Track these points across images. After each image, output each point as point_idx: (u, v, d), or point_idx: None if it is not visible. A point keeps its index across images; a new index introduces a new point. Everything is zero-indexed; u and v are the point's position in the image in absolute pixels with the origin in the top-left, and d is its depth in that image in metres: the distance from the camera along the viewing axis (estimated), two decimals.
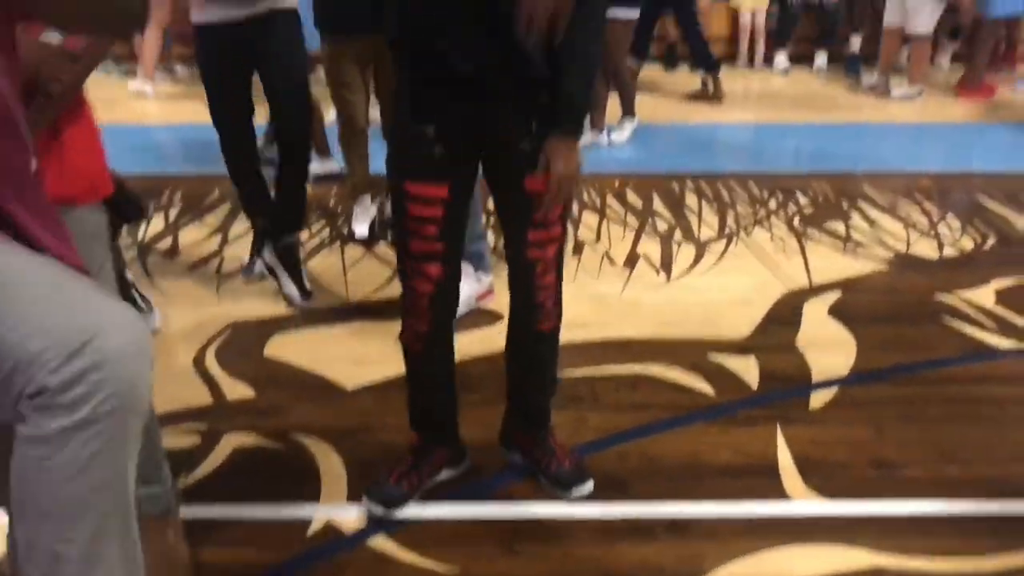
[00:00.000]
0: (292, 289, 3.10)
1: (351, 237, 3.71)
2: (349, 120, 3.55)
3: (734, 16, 7.07)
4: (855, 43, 6.90)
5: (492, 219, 3.49)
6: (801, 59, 7.06)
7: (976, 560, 1.96)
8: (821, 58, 6.95)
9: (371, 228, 3.72)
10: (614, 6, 4.36)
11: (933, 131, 5.54)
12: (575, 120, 1.82)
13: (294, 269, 3.13)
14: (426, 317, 1.99)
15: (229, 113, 3.04)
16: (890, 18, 6.27)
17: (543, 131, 1.80)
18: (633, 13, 4.56)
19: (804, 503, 2.16)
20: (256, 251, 3.28)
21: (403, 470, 2.12)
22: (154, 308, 2.94)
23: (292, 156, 3.15)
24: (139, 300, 2.89)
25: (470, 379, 2.52)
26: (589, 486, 2.16)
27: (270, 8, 2.93)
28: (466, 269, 3.00)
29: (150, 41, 6.06)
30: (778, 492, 2.19)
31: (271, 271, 3.16)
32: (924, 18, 5.99)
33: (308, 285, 3.13)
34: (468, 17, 1.69)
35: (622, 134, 4.94)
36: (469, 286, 3.00)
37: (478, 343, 2.77)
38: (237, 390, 2.59)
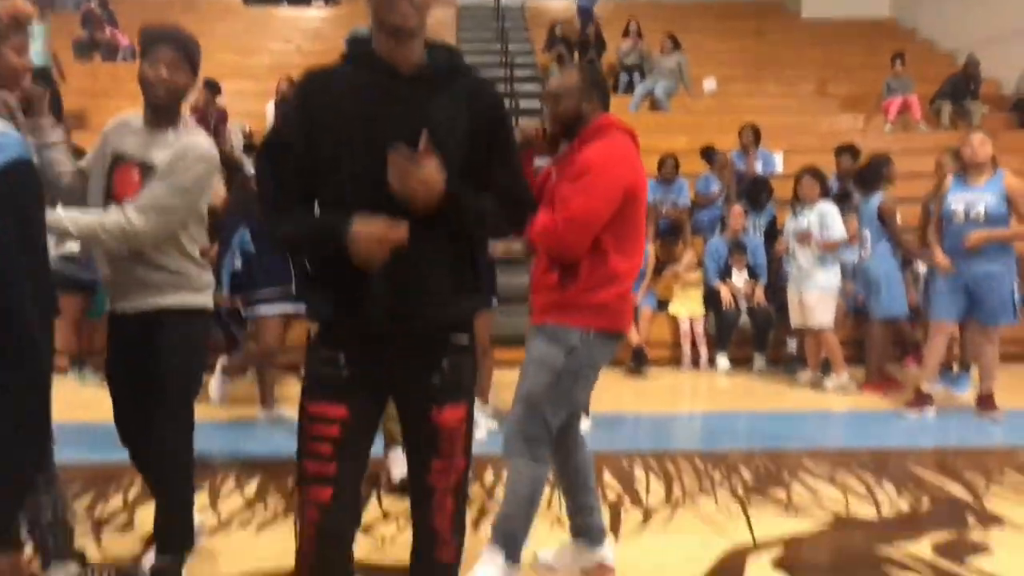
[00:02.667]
0: None
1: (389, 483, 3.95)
2: None
3: (675, 323, 7.69)
4: (791, 344, 7.48)
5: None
6: (745, 361, 7.57)
7: None
8: (760, 360, 7.47)
9: None
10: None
11: (868, 416, 5.87)
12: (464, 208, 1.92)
13: None
14: (313, 550, 1.94)
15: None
16: (795, 320, 6.88)
17: (454, 367, 1.98)
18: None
19: None
20: None
21: None
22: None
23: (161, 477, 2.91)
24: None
25: None
26: None
27: (156, 307, 2.76)
28: (578, 545, 3.11)
29: None
30: None
31: None
32: (820, 313, 6.60)
33: None
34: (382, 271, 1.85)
35: (478, 430, 5.06)
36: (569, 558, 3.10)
37: None
38: None
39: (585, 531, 3.10)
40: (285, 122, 1.96)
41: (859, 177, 6.99)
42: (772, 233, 8.31)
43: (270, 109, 10.30)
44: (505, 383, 5.51)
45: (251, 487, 4.09)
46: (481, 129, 1.96)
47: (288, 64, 12.90)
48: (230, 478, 4.20)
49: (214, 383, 5.60)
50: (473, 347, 2.06)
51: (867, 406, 6.18)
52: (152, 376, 2.76)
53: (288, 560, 3.16)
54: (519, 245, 5.47)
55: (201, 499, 3.84)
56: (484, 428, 5.14)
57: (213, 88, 10.08)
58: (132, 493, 3.80)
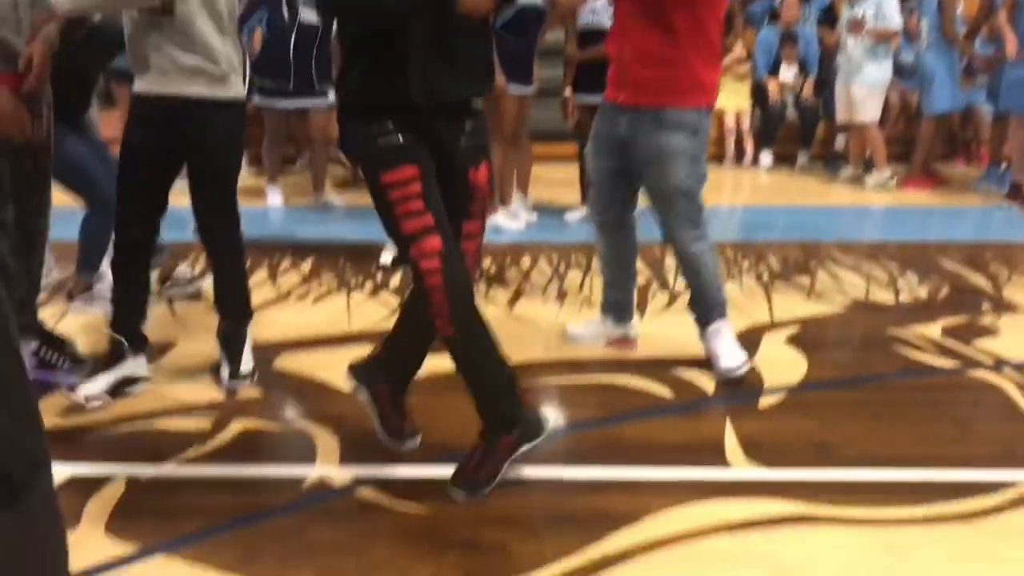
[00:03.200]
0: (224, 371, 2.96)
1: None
2: None
3: (720, 118, 7.63)
4: (840, 141, 7.42)
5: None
6: (789, 159, 7.56)
7: (893, 509, 2.21)
8: (803, 157, 7.46)
9: (395, 260, 4.28)
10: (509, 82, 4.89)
11: (906, 212, 5.95)
12: None
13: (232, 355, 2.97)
14: (444, 298, 2.09)
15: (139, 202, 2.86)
16: (841, 116, 6.79)
17: (478, 129, 2.22)
18: (527, 89, 5.10)
19: (745, 470, 2.43)
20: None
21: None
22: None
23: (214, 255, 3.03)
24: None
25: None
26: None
27: (180, 94, 2.71)
28: (605, 319, 3.36)
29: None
30: (722, 462, 2.46)
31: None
32: (868, 109, 6.53)
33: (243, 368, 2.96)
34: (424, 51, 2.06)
35: (517, 221, 5.26)
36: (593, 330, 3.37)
37: None
38: (246, 392, 2.91)
39: (614, 306, 3.34)
40: None
41: None
42: (829, 24, 8.02)
43: None
44: (541, 177, 5.67)
45: (306, 266, 4.40)
46: None
47: None
48: (286, 258, 4.51)
49: (271, 195, 5.91)
50: (482, 111, 2.28)
51: (907, 202, 6.23)
52: (168, 164, 2.82)
53: (340, 325, 3.54)
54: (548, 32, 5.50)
55: (260, 275, 4.17)
56: (523, 219, 5.36)
57: None
58: (198, 267, 4.13)
